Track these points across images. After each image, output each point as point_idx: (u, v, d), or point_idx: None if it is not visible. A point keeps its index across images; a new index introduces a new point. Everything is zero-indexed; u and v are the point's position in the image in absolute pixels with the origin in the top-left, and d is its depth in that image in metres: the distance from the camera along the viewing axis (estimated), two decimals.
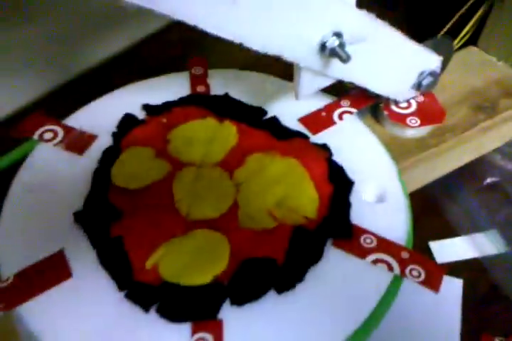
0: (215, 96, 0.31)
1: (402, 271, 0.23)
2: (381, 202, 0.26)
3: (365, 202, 0.26)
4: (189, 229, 0.24)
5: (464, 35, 0.39)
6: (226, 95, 0.31)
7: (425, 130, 0.32)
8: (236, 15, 0.19)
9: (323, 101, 0.31)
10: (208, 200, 0.25)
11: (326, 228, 0.24)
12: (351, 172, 0.27)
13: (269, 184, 0.26)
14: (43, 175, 0.27)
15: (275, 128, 0.29)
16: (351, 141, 0.29)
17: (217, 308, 0.21)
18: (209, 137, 0.28)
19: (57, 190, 0.26)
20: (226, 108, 0.30)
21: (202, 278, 0.22)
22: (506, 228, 0.34)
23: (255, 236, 0.24)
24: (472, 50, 0.39)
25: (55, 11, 0.42)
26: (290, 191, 0.25)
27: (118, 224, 0.24)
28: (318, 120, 0.30)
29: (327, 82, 0.27)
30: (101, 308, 0.22)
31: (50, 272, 0.23)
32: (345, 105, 0.30)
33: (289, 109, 0.30)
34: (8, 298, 0.22)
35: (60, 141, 0.28)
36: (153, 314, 0.21)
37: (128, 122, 0.29)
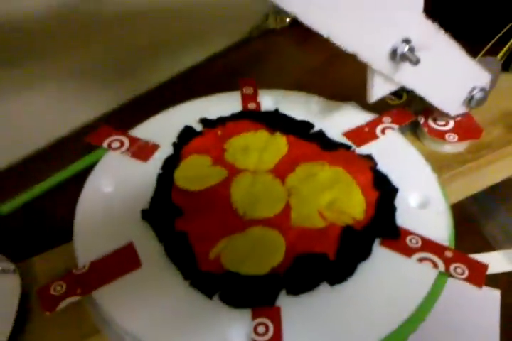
0: (266, 112, 0.34)
1: (447, 269, 0.24)
2: (424, 208, 0.28)
3: (409, 207, 0.28)
4: (246, 226, 0.26)
5: None
6: (276, 111, 0.33)
7: (462, 146, 0.34)
8: (326, 13, 0.22)
9: (366, 118, 0.33)
10: (263, 202, 0.27)
11: (374, 228, 0.26)
12: (395, 181, 0.29)
13: (320, 189, 0.28)
14: (112, 178, 0.29)
15: (322, 140, 0.31)
16: (394, 153, 0.31)
17: (275, 296, 0.23)
18: (262, 146, 0.31)
19: (125, 191, 0.29)
20: (276, 122, 0.32)
21: (260, 268, 0.24)
22: None
23: (307, 234, 0.26)
24: (505, 75, 0.42)
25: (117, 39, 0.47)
26: (339, 195, 0.27)
27: (181, 221, 0.26)
28: (362, 134, 0.32)
29: (395, 87, 0.29)
30: (168, 295, 0.24)
31: (121, 262, 0.25)
32: (387, 121, 0.33)
33: (333, 125, 0.33)
34: (85, 284, 0.24)
35: (127, 149, 0.31)
36: (216, 301, 0.23)
37: (187, 133, 0.32)
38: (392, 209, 0.27)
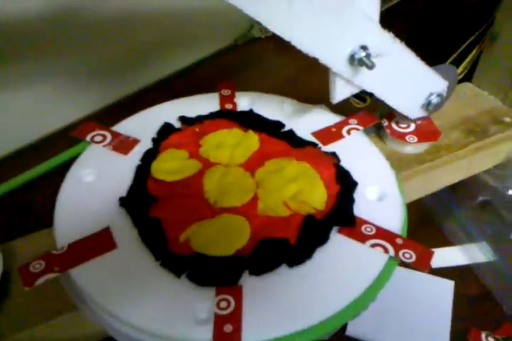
0: (241, 112, 0.36)
1: (396, 253, 0.27)
2: (381, 200, 0.30)
3: (367, 200, 0.30)
4: (216, 214, 0.28)
5: (460, 73, 0.45)
6: (250, 110, 0.36)
7: (422, 147, 0.37)
8: (288, 19, 0.24)
9: (334, 119, 0.36)
10: (233, 192, 0.30)
11: (333, 218, 0.28)
12: (356, 176, 0.31)
13: (286, 182, 0.30)
14: (94, 168, 0.31)
15: (291, 138, 0.34)
16: (357, 151, 0.33)
17: (238, 276, 0.25)
18: (235, 143, 0.33)
19: (105, 181, 0.31)
20: (250, 121, 0.35)
21: (226, 250, 0.26)
22: (494, 240, 0.38)
23: (272, 222, 0.28)
24: (467, 85, 0.45)
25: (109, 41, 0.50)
26: (303, 188, 0.30)
27: (155, 208, 0.29)
28: (329, 134, 0.34)
29: (356, 90, 0.31)
30: (140, 274, 0.26)
31: (98, 243, 0.27)
32: (353, 123, 0.35)
33: (303, 125, 0.35)
34: (63, 263, 0.26)
35: (108, 143, 0.33)
36: (184, 280, 0.25)
37: (166, 130, 0.34)
38: (351, 201, 0.29)
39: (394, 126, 0.37)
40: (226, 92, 0.38)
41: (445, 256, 0.38)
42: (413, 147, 0.36)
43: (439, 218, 0.41)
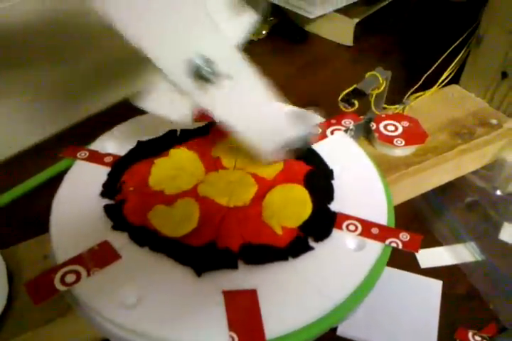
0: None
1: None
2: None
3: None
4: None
5: (448, 75, 0.46)
6: None
7: (410, 150, 0.37)
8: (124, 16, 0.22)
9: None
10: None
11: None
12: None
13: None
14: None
15: None
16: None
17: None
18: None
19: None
20: None
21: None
22: (482, 240, 0.39)
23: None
24: (454, 87, 0.46)
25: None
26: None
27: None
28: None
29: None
30: None
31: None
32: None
33: None
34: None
35: None
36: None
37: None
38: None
39: (382, 129, 0.37)
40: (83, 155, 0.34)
41: (434, 256, 0.39)
42: (401, 150, 0.37)
43: (428, 219, 0.42)
